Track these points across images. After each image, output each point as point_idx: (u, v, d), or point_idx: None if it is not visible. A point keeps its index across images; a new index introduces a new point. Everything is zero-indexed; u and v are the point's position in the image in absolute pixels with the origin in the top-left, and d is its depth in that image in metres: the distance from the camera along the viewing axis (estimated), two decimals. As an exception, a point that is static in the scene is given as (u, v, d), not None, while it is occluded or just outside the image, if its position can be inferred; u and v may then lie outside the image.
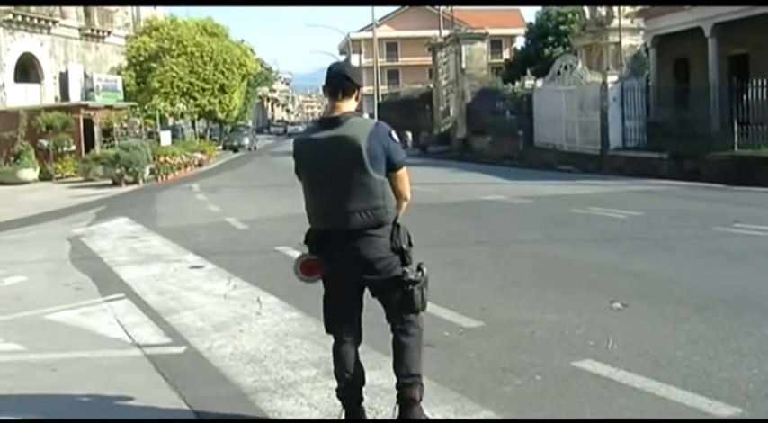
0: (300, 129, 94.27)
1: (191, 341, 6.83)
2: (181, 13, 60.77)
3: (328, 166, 4.42)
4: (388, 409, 4.94)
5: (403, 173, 4.58)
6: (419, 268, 4.53)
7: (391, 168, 4.49)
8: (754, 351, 5.83)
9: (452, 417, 4.85)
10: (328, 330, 4.78)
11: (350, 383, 4.63)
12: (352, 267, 4.51)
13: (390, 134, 4.49)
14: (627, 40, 27.50)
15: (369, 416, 4.82)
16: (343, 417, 4.69)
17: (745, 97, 21.03)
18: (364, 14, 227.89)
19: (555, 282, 8.72)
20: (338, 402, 4.74)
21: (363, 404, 4.71)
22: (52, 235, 14.88)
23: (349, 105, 4.54)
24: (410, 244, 4.54)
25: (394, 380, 4.84)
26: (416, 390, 4.56)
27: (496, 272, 9.39)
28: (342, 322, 4.69)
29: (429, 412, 4.80)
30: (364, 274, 4.51)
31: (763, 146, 20.19)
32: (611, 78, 25.81)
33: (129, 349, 6.75)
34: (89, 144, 31.82)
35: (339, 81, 4.54)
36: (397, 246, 4.48)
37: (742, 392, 5.01)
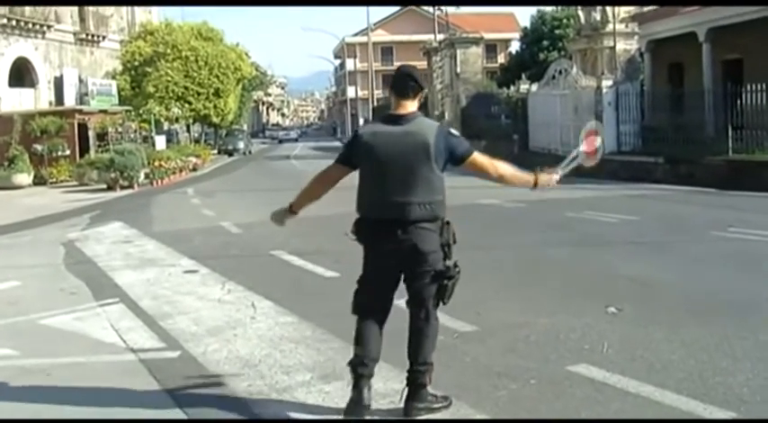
0: (293, 134, 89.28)
1: (185, 346, 6.81)
2: (176, 17, 60.95)
3: (396, 158, 4.70)
4: (382, 411, 4.94)
5: (475, 157, 4.88)
6: (456, 264, 4.82)
7: (461, 159, 4.83)
8: (748, 355, 5.83)
9: (448, 418, 4.85)
10: (357, 311, 4.97)
11: (367, 355, 4.82)
12: (402, 256, 4.75)
13: (450, 131, 4.86)
14: (621, 45, 27.52)
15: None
16: (350, 389, 4.84)
17: (739, 102, 21.08)
18: (359, 19, 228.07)
19: (550, 286, 8.73)
20: (331, 405, 4.85)
21: (371, 382, 4.85)
22: (47, 239, 14.85)
23: (413, 105, 4.86)
24: (455, 241, 4.83)
25: (388, 384, 4.93)
26: (427, 376, 4.87)
27: (491, 276, 9.38)
28: (376, 305, 4.91)
29: (424, 417, 4.82)
30: (413, 265, 4.76)
31: (758, 150, 20.24)
32: (606, 83, 25.83)
33: (123, 354, 6.73)
34: (84, 148, 31.76)
35: (407, 82, 4.88)
36: (445, 241, 4.79)
37: (737, 397, 5.01)
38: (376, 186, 4.80)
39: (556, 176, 5.18)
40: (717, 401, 4.92)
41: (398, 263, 4.80)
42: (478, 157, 4.91)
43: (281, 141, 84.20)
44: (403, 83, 4.89)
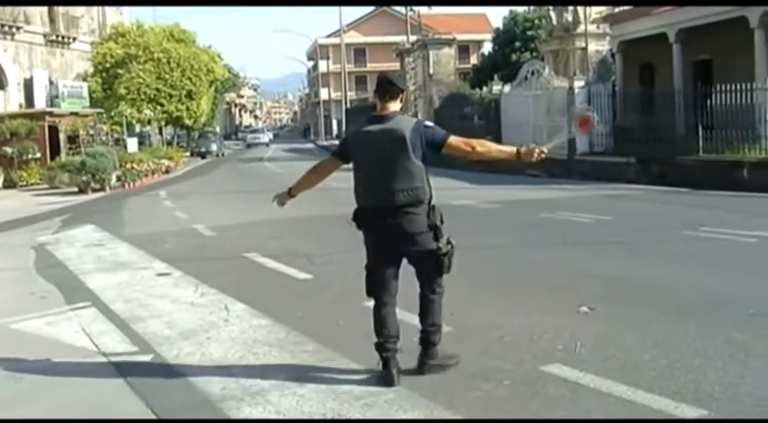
0: (264, 137, 78.27)
1: (158, 349, 6.76)
2: (148, 18, 60.53)
3: (378, 153, 5.36)
4: (356, 414, 4.94)
5: (451, 141, 5.51)
6: (448, 241, 5.50)
7: (440, 145, 5.46)
8: (720, 353, 5.88)
9: (422, 418, 4.86)
10: (369, 294, 5.63)
11: (388, 338, 5.48)
12: (394, 240, 5.43)
13: (425, 124, 5.52)
14: (593, 46, 27.75)
15: (338, 414, 4.82)
16: (380, 367, 5.45)
17: (709, 102, 21.27)
18: (332, 20, 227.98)
19: (524, 286, 8.76)
20: (306, 409, 4.89)
21: (398, 356, 5.49)
22: (17, 243, 14.69)
23: (395, 105, 5.53)
24: (442, 221, 5.49)
25: (363, 387, 4.90)
26: (437, 335, 5.62)
27: (465, 277, 9.34)
28: (383, 287, 5.55)
29: (398, 416, 4.82)
30: (405, 245, 5.44)
31: (727, 150, 20.45)
32: (578, 83, 26.00)
33: (95, 358, 6.67)
34: (54, 151, 31.47)
35: (387, 86, 5.54)
36: (432, 222, 5.44)
37: (708, 394, 5.04)
38: (365, 179, 5.48)
39: (542, 147, 5.57)
40: (688, 400, 4.95)
41: (393, 245, 5.45)
42: (454, 140, 5.53)
43: (249, 146, 73.38)
44: (384, 88, 5.54)
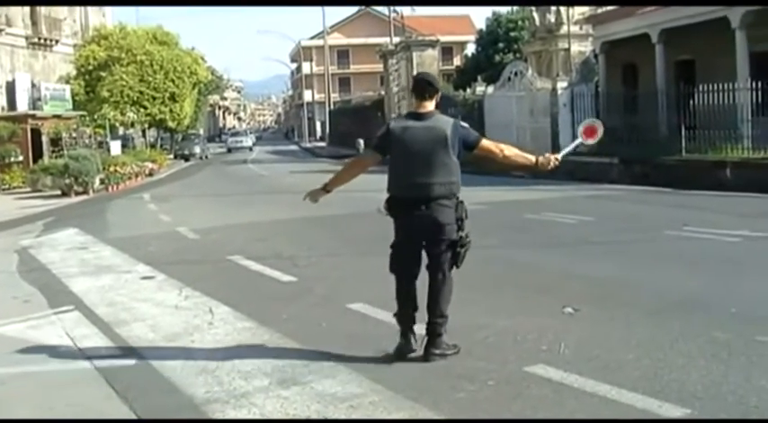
0: (247, 141, 72.72)
1: (142, 352, 6.73)
2: (130, 20, 59.75)
3: (420, 148, 5.76)
4: (341, 416, 4.94)
5: (483, 142, 6.06)
6: (467, 235, 5.97)
7: (472, 147, 5.96)
8: (703, 353, 5.90)
9: (407, 418, 4.86)
10: (393, 270, 6.04)
11: (407, 310, 5.94)
12: (425, 227, 5.83)
13: (461, 125, 5.91)
14: (576, 47, 27.84)
15: (322, 416, 4.81)
16: (398, 338, 5.93)
17: (691, 102, 21.39)
18: (315, 22, 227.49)
19: (508, 287, 8.78)
20: (290, 411, 4.93)
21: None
22: (-1, 247, 14.62)
23: (431, 105, 5.95)
24: (466, 216, 5.97)
25: (347, 389, 4.92)
26: (443, 326, 5.95)
27: (449, 278, 9.40)
28: (407, 266, 5.97)
29: (383, 417, 4.82)
30: (434, 234, 5.84)
31: (710, 150, 20.55)
32: (561, 84, 26.08)
33: (78, 362, 6.63)
34: (37, 154, 31.32)
35: (425, 86, 6.01)
36: (459, 215, 5.91)
37: (691, 394, 5.07)
38: (404, 171, 5.84)
39: (557, 156, 6.23)
40: (672, 399, 4.96)
41: (421, 232, 5.87)
42: (485, 142, 6.09)
43: (230, 150, 67.13)
44: (422, 87, 6.00)
